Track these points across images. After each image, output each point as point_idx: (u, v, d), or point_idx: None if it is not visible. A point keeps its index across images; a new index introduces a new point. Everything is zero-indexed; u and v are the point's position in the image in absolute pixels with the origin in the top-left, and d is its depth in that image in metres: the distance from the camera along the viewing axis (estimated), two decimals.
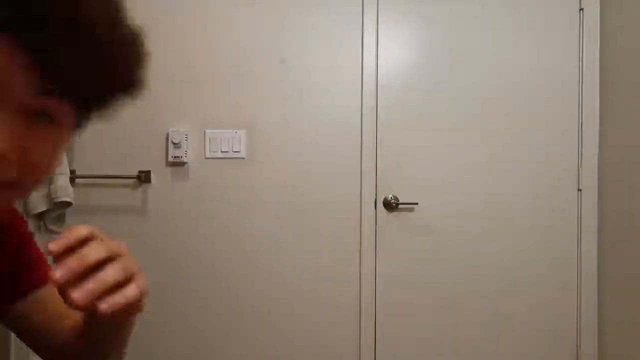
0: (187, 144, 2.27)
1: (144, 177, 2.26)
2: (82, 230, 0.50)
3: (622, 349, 2.29)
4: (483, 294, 2.32)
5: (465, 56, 2.35)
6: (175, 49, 2.28)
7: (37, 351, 0.76)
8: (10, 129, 0.46)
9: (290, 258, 2.30)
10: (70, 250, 0.49)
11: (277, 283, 2.29)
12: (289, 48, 2.32)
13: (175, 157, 2.26)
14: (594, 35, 2.32)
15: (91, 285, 0.48)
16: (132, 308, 0.52)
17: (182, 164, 2.28)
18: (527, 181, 2.34)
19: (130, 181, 2.28)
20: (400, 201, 2.30)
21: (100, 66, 0.48)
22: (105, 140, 2.26)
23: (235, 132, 2.28)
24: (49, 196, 2.03)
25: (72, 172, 2.21)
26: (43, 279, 0.74)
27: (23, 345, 0.77)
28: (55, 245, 0.48)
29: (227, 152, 2.28)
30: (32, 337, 0.75)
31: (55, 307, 0.73)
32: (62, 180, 2.04)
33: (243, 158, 2.28)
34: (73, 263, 0.48)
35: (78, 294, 0.47)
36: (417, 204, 2.31)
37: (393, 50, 2.34)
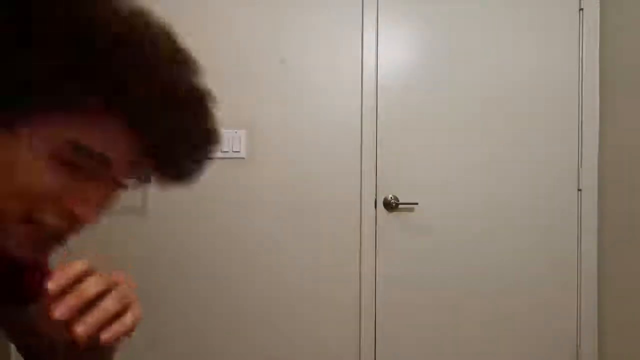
0: None
1: (143, 177, 2.26)
2: (78, 266, 0.51)
3: (622, 349, 2.29)
4: (483, 294, 2.32)
5: (465, 56, 2.35)
6: None
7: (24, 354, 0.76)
8: (102, 199, 0.53)
9: (290, 258, 2.30)
10: (68, 286, 0.50)
11: (277, 283, 2.29)
12: (289, 48, 2.32)
13: None
14: (594, 35, 2.32)
15: (92, 319, 0.50)
16: (126, 334, 0.54)
17: None
18: (527, 181, 2.34)
19: (130, 181, 2.28)
20: (400, 201, 2.30)
21: (189, 130, 0.54)
22: None
23: (235, 132, 2.28)
24: None
25: None
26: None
27: None
28: (54, 285, 0.49)
29: (227, 152, 2.27)
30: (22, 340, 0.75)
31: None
32: None
33: (243, 158, 2.28)
34: (72, 300, 0.49)
35: (81, 329, 0.49)
36: (417, 204, 2.31)
37: (393, 50, 2.34)
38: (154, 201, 2.28)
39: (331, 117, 2.32)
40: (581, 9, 2.33)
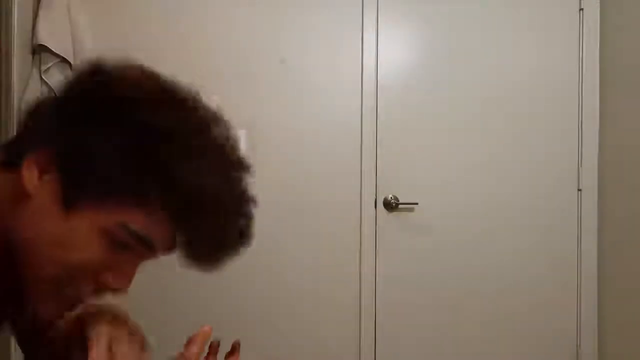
0: None
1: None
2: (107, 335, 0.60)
3: (622, 349, 2.29)
4: (483, 294, 2.32)
5: (465, 56, 2.35)
6: (175, 49, 2.28)
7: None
8: (135, 270, 0.60)
9: (290, 258, 2.29)
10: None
11: (277, 283, 2.29)
12: (289, 48, 2.32)
13: None
14: (594, 35, 2.32)
15: None
16: None
17: None
18: (527, 181, 2.33)
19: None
20: (400, 201, 2.30)
21: (222, 232, 0.60)
22: None
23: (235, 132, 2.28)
24: None
25: None
26: None
27: None
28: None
29: None
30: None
31: None
32: None
33: None
34: None
35: None
36: (417, 204, 2.31)
37: (393, 50, 2.34)
38: None
39: (331, 117, 2.32)
40: (581, 9, 2.33)
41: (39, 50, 2.06)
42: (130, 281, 0.61)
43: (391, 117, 2.31)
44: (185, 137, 0.56)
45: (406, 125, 2.33)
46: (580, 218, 2.32)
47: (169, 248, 0.60)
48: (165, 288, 2.25)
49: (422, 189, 2.31)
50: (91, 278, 0.59)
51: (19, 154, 0.57)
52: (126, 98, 0.56)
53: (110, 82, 0.57)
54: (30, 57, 2.10)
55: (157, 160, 0.55)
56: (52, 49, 2.05)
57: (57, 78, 2.07)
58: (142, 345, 0.64)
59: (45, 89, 2.06)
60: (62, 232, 0.56)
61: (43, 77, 2.05)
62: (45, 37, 2.04)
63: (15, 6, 1.98)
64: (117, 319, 0.63)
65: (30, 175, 0.56)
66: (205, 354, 0.70)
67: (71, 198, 0.55)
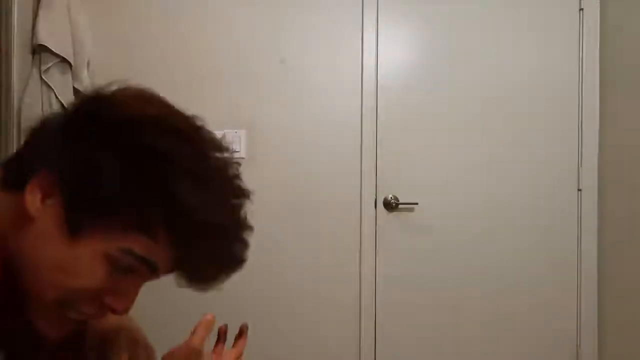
0: None
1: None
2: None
3: (622, 349, 2.29)
4: (483, 294, 2.32)
5: (465, 56, 2.35)
6: (175, 49, 2.28)
7: None
8: (137, 292, 0.61)
9: (290, 258, 2.29)
10: None
11: (277, 283, 2.29)
12: (289, 48, 2.32)
13: None
14: (594, 35, 2.32)
15: None
16: None
17: None
18: (527, 181, 2.33)
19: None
20: (400, 201, 2.30)
21: (220, 258, 0.62)
22: None
23: (235, 132, 2.28)
24: None
25: None
26: None
27: None
28: None
29: None
30: None
31: None
32: None
33: (243, 158, 2.28)
34: None
35: None
36: (417, 204, 2.31)
37: (393, 50, 2.34)
38: None
39: (331, 117, 2.32)
40: (581, 9, 2.33)
41: (39, 50, 2.07)
42: (132, 303, 0.62)
43: (391, 117, 2.31)
44: (187, 162, 0.56)
45: (406, 125, 2.33)
46: (580, 218, 2.32)
47: (171, 269, 0.61)
48: (165, 289, 2.25)
49: (422, 189, 2.31)
50: (94, 302, 0.59)
51: (22, 175, 0.57)
52: (129, 122, 0.56)
53: (113, 106, 0.57)
54: (30, 57, 2.10)
55: (160, 185, 0.55)
56: (52, 49, 2.05)
57: (57, 78, 2.08)
58: None
59: (45, 88, 2.06)
60: (66, 258, 0.56)
61: (43, 77, 2.05)
62: (45, 37, 2.05)
63: (15, 6, 1.98)
64: (134, 337, 0.66)
65: (33, 199, 0.56)
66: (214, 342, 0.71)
67: (75, 224, 0.55)
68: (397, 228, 2.32)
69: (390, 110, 2.32)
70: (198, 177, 0.56)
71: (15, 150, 0.65)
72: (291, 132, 2.30)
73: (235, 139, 2.28)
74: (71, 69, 2.14)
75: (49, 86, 2.05)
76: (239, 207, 0.62)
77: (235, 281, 2.43)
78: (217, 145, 0.62)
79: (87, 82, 2.16)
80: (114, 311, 0.61)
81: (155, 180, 0.55)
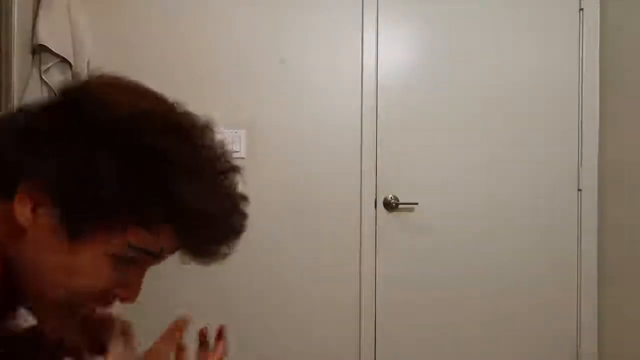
0: None
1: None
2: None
3: (622, 349, 2.29)
4: (483, 294, 2.32)
5: (465, 56, 2.35)
6: (175, 49, 2.28)
7: None
8: (142, 279, 0.61)
9: (290, 258, 2.29)
10: None
11: (277, 283, 2.29)
12: (289, 48, 2.32)
13: None
14: (594, 35, 2.32)
15: None
16: None
17: None
18: (527, 181, 2.33)
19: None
20: (400, 201, 2.30)
21: (222, 237, 0.62)
22: None
23: (235, 132, 2.28)
24: None
25: None
26: None
27: None
28: None
29: None
30: None
31: None
32: None
33: (243, 158, 2.28)
34: None
35: None
36: (417, 204, 2.31)
37: (393, 50, 2.34)
38: None
39: (331, 117, 2.32)
40: (581, 9, 2.33)
41: (39, 50, 2.06)
42: (140, 289, 0.62)
43: (391, 117, 2.31)
44: (185, 159, 0.56)
45: (406, 125, 2.33)
46: (580, 218, 2.32)
47: (173, 251, 0.61)
48: (165, 289, 2.25)
49: (422, 189, 2.31)
50: (101, 297, 0.60)
51: (9, 182, 0.55)
52: (125, 121, 0.55)
53: (106, 105, 0.55)
54: (30, 57, 2.10)
55: (160, 184, 0.54)
56: (52, 49, 2.05)
57: (57, 78, 2.07)
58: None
59: (45, 89, 2.06)
60: (69, 263, 0.56)
61: (43, 77, 2.05)
62: (45, 37, 2.04)
63: (15, 6, 1.98)
64: (125, 325, 0.66)
65: (22, 210, 0.55)
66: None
67: (75, 229, 0.55)
68: (397, 228, 2.32)
69: (390, 110, 2.31)
70: (195, 172, 0.56)
71: None
72: (291, 132, 2.30)
73: (235, 139, 2.28)
74: (71, 69, 2.13)
75: (49, 86, 2.05)
76: (233, 186, 0.62)
77: (235, 281, 2.44)
78: (205, 131, 0.62)
79: None
80: (123, 300, 0.61)
81: (155, 180, 0.54)
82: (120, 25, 2.29)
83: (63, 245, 0.55)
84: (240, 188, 0.64)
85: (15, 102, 2.03)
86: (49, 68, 2.06)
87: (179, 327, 0.73)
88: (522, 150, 2.34)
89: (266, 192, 2.28)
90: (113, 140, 0.54)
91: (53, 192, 0.54)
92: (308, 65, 2.32)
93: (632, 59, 2.30)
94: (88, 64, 2.22)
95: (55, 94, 0.61)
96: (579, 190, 2.33)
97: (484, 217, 2.33)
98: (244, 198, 0.64)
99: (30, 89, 2.04)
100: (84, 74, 2.16)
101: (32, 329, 0.66)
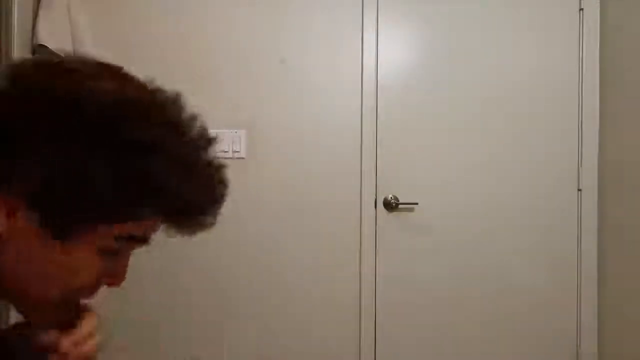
0: None
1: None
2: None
3: (622, 349, 2.29)
4: (483, 294, 2.32)
5: (465, 56, 2.35)
6: (175, 49, 2.28)
7: None
8: (128, 262, 0.62)
9: (290, 258, 2.29)
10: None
11: (277, 283, 2.29)
12: (289, 48, 2.32)
13: None
14: (594, 35, 2.32)
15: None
16: None
17: None
18: (527, 181, 2.33)
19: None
20: (400, 201, 2.30)
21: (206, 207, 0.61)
22: None
23: (235, 132, 2.28)
24: None
25: None
26: None
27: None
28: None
29: (227, 152, 2.27)
30: None
31: None
32: None
33: (243, 158, 2.28)
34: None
35: None
36: (417, 204, 2.31)
37: (393, 50, 2.34)
38: None
39: (331, 117, 2.32)
40: (581, 9, 2.33)
41: (39, 50, 2.06)
42: (125, 274, 0.62)
43: (391, 117, 2.31)
44: (174, 150, 0.55)
45: (406, 125, 2.33)
46: (580, 218, 2.32)
47: (157, 229, 0.61)
48: (165, 289, 2.25)
49: (422, 189, 2.31)
50: (93, 289, 0.60)
51: None
52: (111, 115, 0.52)
53: (91, 92, 0.52)
54: (30, 57, 2.10)
55: (150, 180, 0.53)
56: (52, 49, 2.05)
57: None
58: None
59: None
60: (63, 264, 0.55)
61: None
62: (45, 37, 2.04)
63: (15, 6, 1.98)
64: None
65: None
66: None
67: (62, 231, 0.53)
68: (397, 228, 2.32)
69: (390, 110, 2.31)
70: (183, 163, 0.55)
71: None
72: (291, 132, 2.30)
73: (235, 139, 2.28)
74: None
75: None
76: (214, 165, 0.62)
77: (235, 281, 2.43)
78: (170, 100, 0.61)
79: None
80: (110, 285, 0.61)
81: (145, 176, 0.52)
82: (120, 25, 2.29)
83: (52, 247, 0.53)
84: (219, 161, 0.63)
85: None
86: None
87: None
88: (522, 150, 2.34)
89: (266, 192, 2.28)
90: (102, 136, 0.51)
91: (29, 196, 0.51)
92: (308, 65, 2.32)
93: (632, 59, 2.30)
94: None
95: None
96: (579, 190, 2.33)
97: (484, 217, 2.33)
98: (222, 166, 0.64)
99: None
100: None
101: (20, 327, 0.66)
